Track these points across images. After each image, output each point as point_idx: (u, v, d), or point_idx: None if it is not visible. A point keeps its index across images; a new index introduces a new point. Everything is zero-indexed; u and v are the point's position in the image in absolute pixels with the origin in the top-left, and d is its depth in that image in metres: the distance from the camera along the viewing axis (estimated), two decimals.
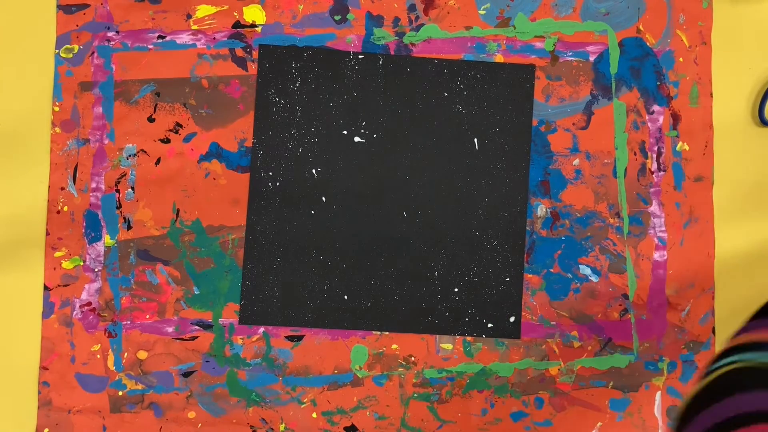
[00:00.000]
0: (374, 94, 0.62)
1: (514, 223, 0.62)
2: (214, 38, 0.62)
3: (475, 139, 0.62)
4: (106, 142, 0.62)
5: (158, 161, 0.62)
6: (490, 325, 0.62)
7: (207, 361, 0.61)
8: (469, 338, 0.62)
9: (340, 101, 0.62)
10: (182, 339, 0.61)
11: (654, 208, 0.63)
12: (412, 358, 0.62)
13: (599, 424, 0.62)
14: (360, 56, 0.62)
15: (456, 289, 0.62)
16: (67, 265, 0.61)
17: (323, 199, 0.61)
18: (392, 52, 0.63)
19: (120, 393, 0.61)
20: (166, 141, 0.62)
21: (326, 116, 0.62)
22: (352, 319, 0.61)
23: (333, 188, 0.61)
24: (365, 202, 0.61)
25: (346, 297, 0.61)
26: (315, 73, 0.62)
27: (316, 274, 0.61)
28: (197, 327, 0.61)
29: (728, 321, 0.63)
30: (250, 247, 0.61)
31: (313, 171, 0.61)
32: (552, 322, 0.63)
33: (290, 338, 0.62)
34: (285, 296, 0.61)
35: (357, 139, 0.61)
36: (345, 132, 0.61)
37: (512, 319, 0.62)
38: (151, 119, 0.62)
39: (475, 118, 0.62)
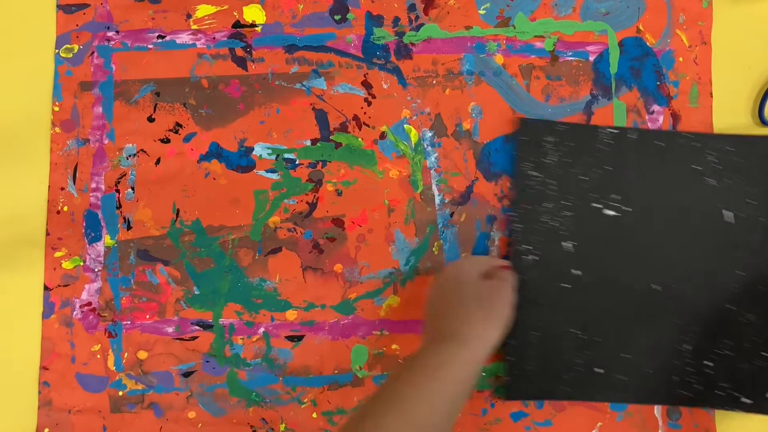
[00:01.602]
0: (626, 167, 0.61)
1: None
2: (214, 38, 0.62)
3: (729, 212, 0.61)
4: (106, 142, 0.62)
5: (158, 161, 0.62)
6: (746, 400, 0.60)
7: (207, 361, 0.61)
8: None
9: (593, 175, 0.61)
10: (182, 339, 0.61)
11: None
12: None
13: (599, 424, 0.62)
14: (613, 130, 0.61)
15: (708, 363, 0.60)
16: (67, 265, 0.61)
17: (578, 272, 0.60)
18: (392, 52, 0.63)
19: (120, 393, 0.61)
20: (166, 141, 0.62)
21: (579, 189, 0.61)
22: (606, 392, 0.61)
23: (587, 262, 0.61)
24: (618, 275, 0.61)
25: (600, 371, 0.60)
26: (569, 147, 0.61)
27: (572, 347, 0.60)
28: (197, 327, 0.61)
29: None
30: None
31: (568, 245, 0.60)
32: None
33: (290, 338, 0.62)
34: (541, 370, 0.60)
35: (610, 212, 0.61)
36: (597, 205, 0.61)
37: None
38: (151, 119, 0.62)
39: (727, 191, 0.61)
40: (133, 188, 0.62)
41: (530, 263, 0.61)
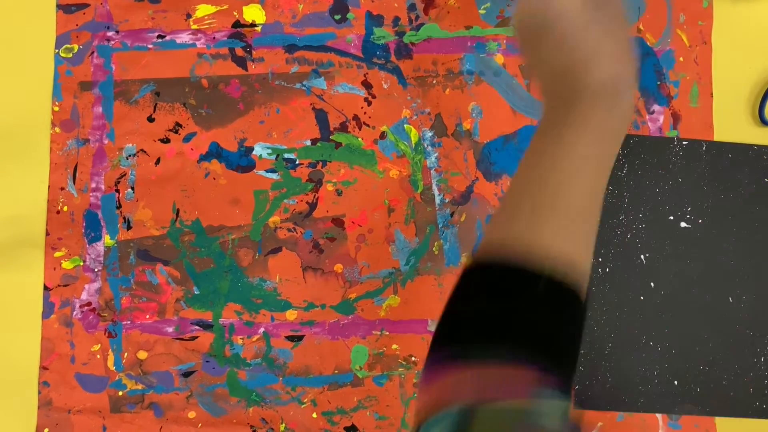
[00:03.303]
0: (698, 179, 0.62)
1: None
2: (214, 38, 0.62)
3: None
4: (106, 142, 0.62)
5: (158, 161, 0.62)
6: None
7: (207, 361, 0.61)
8: None
9: (666, 187, 0.62)
10: (182, 339, 0.61)
11: None
12: (413, 358, 0.62)
13: (599, 424, 0.62)
14: (684, 142, 0.62)
15: None
16: (67, 265, 0.61)
17: (652, 284, 0.61)
18: (392, 52, 0.63)
19: (120, 393, 0.61)
20: (166, 141, 0.62)
21: (652, 202, 0.62)
22: (682, 404, 0.61)
23: (661, 273, 0.61)
24: (692, 287, 0.61)
25: (676, 383, 0.61)
26: (641, 159, 0.62)
27: (646, 359, 0.61)
28: (197, 327, 0.61)
29: None
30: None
31: (642, 257, 0.61)
32: None
33: (290, 338, 0.62)
34: (616, 382, 0.61)
35: (683, 224, 0.61)
36: (671, 218, 0.61)
37: None
38: (150, 119, 0.62)
39: None
40: (133, 188, 0.62)
41: (604, 275, 0.61)
